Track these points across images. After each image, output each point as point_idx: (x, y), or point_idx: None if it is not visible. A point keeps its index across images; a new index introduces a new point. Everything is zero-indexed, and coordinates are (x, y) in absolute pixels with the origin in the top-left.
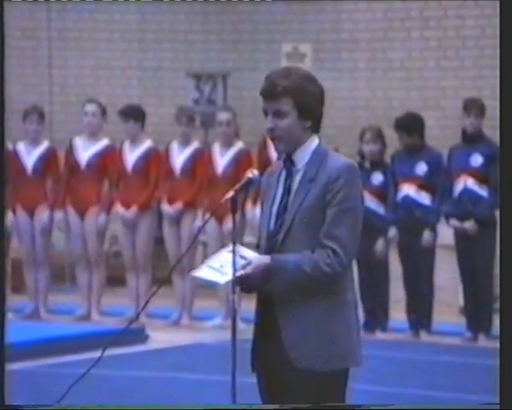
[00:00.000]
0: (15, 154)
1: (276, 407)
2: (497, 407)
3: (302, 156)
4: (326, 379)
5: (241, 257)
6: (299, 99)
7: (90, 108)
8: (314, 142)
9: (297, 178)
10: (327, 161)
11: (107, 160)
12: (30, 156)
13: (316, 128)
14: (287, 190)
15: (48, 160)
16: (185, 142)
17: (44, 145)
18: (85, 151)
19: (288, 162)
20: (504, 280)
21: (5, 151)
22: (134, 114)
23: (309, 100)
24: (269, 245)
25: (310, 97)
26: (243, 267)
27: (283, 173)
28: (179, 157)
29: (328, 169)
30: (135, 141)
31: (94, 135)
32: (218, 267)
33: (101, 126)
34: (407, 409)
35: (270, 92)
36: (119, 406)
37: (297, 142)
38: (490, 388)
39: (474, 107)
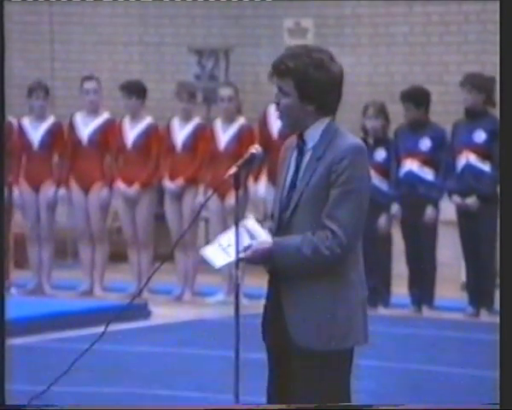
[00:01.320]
0: (20, 129)
1: (283, 406)
2: (497, 407)
3: (313, 136)
4: (327, 359)
5: (251, 237)
6: (301, 83)
7: (91, 85)
8: (324, 122)
9: (307, 156)
10: (335, 140)
11: (109, 134)
12: (36, 131)
13: (325, 112)
14: (297, 168)
15: (55, 134)
16: (186, 118)
17: (51, 120)
18: (86, 127)
19: (300, 141)
20: (504, 256)
21: (3, 129)
22: (136, 91)
23: (311, 86)
24: (279, 219)
25: (312, 84)
26: (244, 250)
27: (296, 150)
28: (180, 133)
29: (335, 149)
30: (135, 117)
31: (96, 112)
32: (226, 246)
33: (102, 101)
34: (417, 409)
35: (276, 69)
36: (119, 406)
37: (299, 123)
38: (491, 362)
39: (469, 82)
